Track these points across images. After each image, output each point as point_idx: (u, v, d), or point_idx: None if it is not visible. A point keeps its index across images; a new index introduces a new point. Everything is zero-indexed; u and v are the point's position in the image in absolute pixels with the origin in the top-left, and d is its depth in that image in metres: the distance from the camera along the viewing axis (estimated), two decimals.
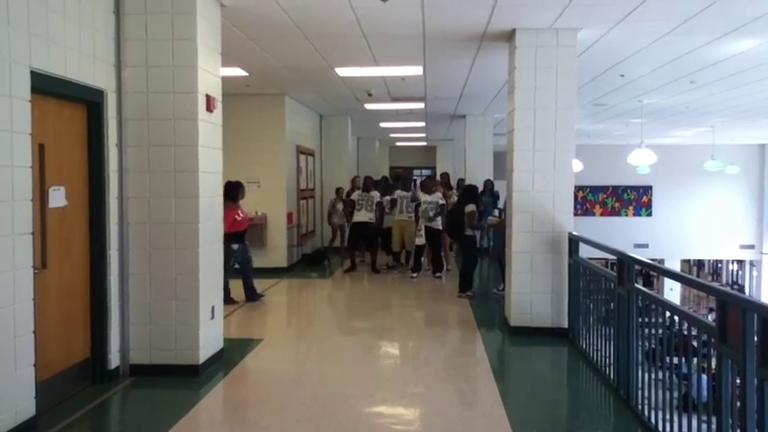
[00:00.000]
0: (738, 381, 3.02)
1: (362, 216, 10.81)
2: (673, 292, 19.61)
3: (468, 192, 9.31)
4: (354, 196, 11.16)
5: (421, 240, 10.36)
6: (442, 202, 10.27)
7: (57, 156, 4.53)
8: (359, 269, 11.27)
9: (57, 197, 4.52)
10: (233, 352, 5.96)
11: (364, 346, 6.58)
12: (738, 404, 3.04)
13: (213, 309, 5.53)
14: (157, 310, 5.22)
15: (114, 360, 5.15)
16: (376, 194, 11.01)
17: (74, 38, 4.57)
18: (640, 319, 4.58)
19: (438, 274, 10.30)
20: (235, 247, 8.08)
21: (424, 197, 10.37)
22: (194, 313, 5.23)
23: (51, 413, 4.35)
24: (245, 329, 7.26)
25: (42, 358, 4.23)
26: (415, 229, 10.65)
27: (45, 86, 4.23)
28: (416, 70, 8.66)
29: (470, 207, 8.85)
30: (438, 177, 16.13)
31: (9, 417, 3.87)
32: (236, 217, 8.07)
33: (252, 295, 8.48)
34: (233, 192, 8.10)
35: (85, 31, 4.71)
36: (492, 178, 13.58)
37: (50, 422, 4.23)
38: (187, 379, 5.16)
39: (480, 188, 11.97)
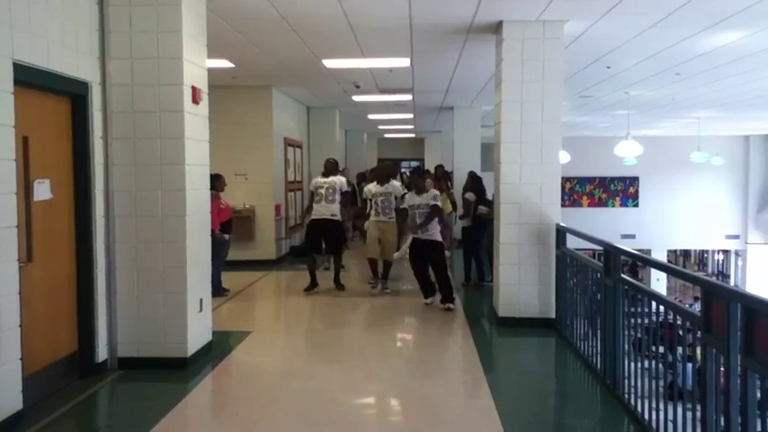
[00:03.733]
0: (723, 370, 3.06)
1: (322, 211, 8.31)
2: (659, 282, 19.77)
3: (474, 182, 9.34)
4: (312, 185, 8.72)
5: (399, 255, 7.86)
6: (434, 202, 7.57)
7: (41, 148, 4.49)
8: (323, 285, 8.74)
9: (42, 190, 4.48)
10: (221, 345, 5.94)
11: (352, 338, 6.59)
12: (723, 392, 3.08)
13: (201, 301, 5.52)
14: (145, 304, 5.20)
15: (102, 353, 5.13)
16: (340, 181, 8.59)
17: (57, 29, 4.52)
18: (627, 310, 4.62)
19: (449, 306, 7.50)
20: (226, 236, 8.21)
21: (411, 199, 7.74)
22: (182, 306, 5.21)
23: (38, 407, 4.32)
24: (234, 322, 7.25)
25: (29, 352, 4.20)
26: (395, 234, 8.20)
27: (28, 78, 4.19)
28: (404, 62, 8.65)
29: (470, 195, 8.98)
30: (431, 170, 15.16)
31: None
32: (221, 206, 8.21)
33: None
34: (212, 182, 8.18)
35: (69, 22, 4.66)
36: (480, 170, 13.55)
37: (37, 416, 4.20)
38: (175, 372, 5.14)
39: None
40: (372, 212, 8.59)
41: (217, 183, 8.32)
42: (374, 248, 8.59)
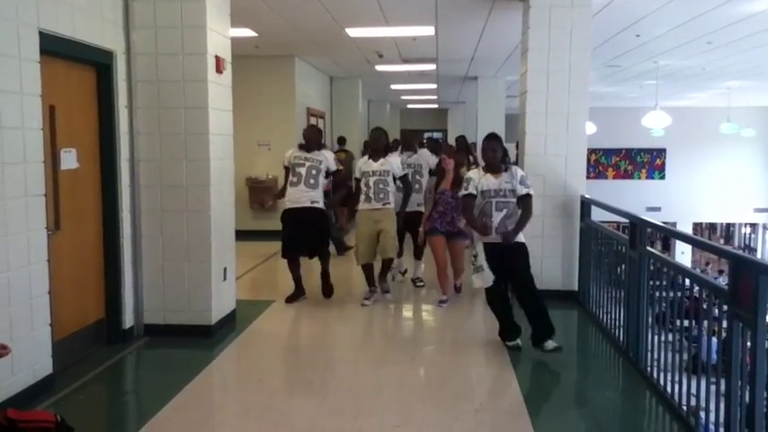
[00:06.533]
0: (749, 343, 3.02)
1: (299, 197, 6.16)
2: (684, 255, 19.56)
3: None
4: (287, 159, 6.40)
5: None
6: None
7: (67, 118, 4.53)
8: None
9: (68, 159, 4.53)
10: (245, 313, 6.00)
11: (375, 311, 6.61)
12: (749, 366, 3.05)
13: (225, 270, 5.57)
14: (170, 272, 5.27)
15: (128, 320, 5.22)
16: (326, 158, 6.34)
17: None
18: (651, 282, 4.57)
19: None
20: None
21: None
22: (206, 275, 5.27)
23: (68, 372, 4.42)
24: (257, 291, 7.33)
25: (58, 318, 4.29)
26: (394, 223, 6.26)
27: (54, 48, 4.20)
28: (428, 30, 8.54)
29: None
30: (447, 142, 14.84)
31: (28, 374, 3.95)
32: None
33: None
34: None
35: None
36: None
37: (67, 380, 4.31)
38: (200, 339, 5.23)
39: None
40: (362, 198, 6.22)
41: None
42: (368, 250, 6.29)
